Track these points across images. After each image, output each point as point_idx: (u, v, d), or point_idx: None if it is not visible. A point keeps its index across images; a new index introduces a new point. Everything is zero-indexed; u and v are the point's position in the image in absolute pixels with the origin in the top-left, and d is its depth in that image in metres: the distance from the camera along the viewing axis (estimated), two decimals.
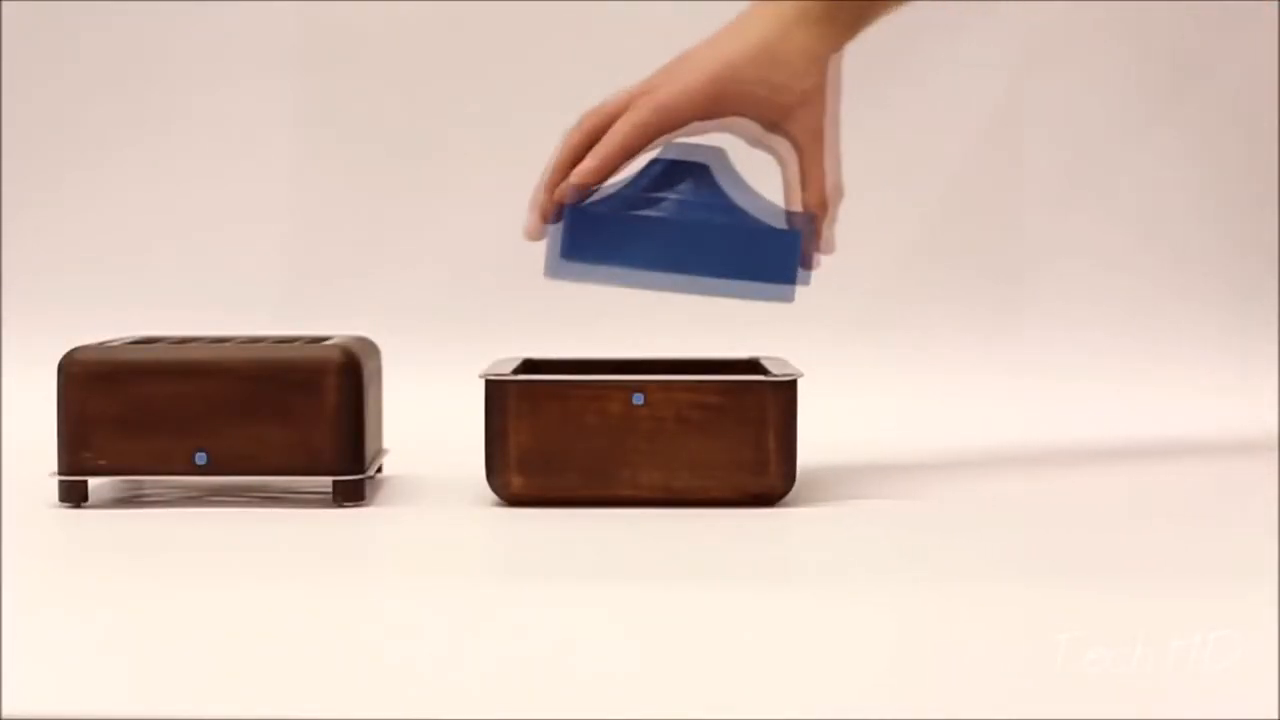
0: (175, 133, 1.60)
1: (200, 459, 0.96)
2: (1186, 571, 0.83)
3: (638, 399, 0.96)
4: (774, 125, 1.04)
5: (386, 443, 1.08)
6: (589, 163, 1.00)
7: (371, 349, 1.04)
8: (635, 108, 1.01)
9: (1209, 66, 1.65)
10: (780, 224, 1.00)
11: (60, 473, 0.97)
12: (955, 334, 1.58)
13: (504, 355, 1.07)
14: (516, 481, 0.97)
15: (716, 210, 1.00)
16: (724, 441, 0.96)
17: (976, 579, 0.81)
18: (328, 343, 0.99)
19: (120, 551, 0.88)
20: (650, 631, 0.71)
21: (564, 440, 0.96)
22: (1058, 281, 1.63)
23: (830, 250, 1.04)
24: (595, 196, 0.99)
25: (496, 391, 0.97)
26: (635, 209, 0.99)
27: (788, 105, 1.03)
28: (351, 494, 0.97)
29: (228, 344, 1.00)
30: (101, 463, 0.96)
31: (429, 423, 1.18)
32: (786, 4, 1.05)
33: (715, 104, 1.02)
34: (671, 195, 1.00)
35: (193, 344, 1.00)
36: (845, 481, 1.07)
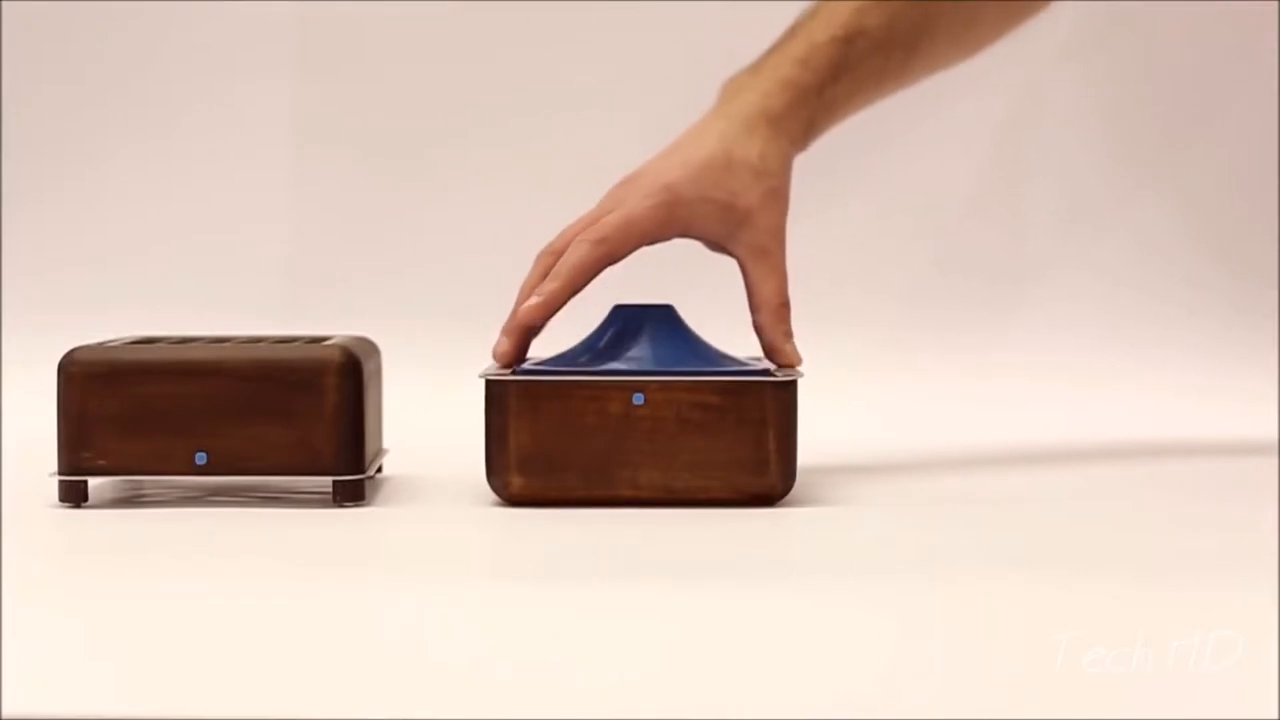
0: (175, 132, 1.60)
1: (200, 459, 0.96)
2: (1186, 571, 0.83)
3: (638, 399, 0.96)
4: (727, 237, 1.04)
5: (386, 443, 1.08)
6: (534, 299, 1.00)
7: (371, 349, 1.04)
8: (577, 244, 1.01)
9: (1208, 75, 1.65)
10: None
11: (60, 473, 0.97)
12: (955, 334, 1.58)
13: None
14: (516, 481, 0.97)
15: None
16: (724, 441, 0.96)
17: (976, 579, 0.81)
18: (328, 343, 0.99)
19: (120, 551, 0.88)
20: (650, 631, 0.71)
21: (564, 440, 0.96)
22: (1058, 283, 1.63)
23: (797, 361, 1.03)
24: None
25: (496, 391, 0.97)
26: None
27: (740, 217, 1.03)
28: (351, 494, 0.97)
29: (228, 344, 1.00)
30: (101, 463, 0.96)
31: (429, 423, 1.18)
32: (741, 109, 1.05)
33: (663, 228, 1.03)
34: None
35: (193, 344, 1.00)
36: (845, 481, 1.07)
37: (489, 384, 0.97)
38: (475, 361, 1.02)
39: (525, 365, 1.00)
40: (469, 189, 1.59)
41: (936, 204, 1.65)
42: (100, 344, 0.99)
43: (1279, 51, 1.62)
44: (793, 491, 0.98)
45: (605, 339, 1.00)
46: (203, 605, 0.75)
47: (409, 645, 0.69)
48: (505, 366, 1.00)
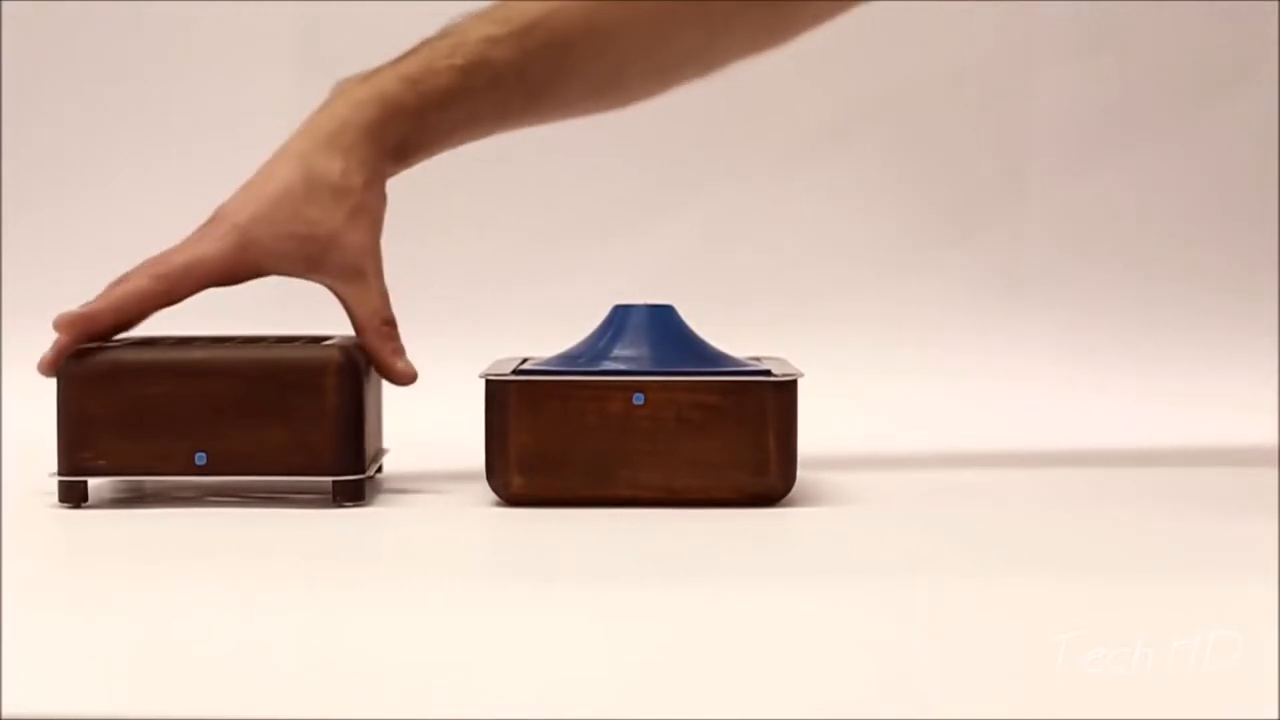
0: (176, 133, 1.60)
1: (200, 459, 0.96)
2: (1186, 571, 0.83)
3: (638, 399, 0.96)
4: (313, 268, 1.02)
5: (386, 443, 1.08)
6: (77, 310, 0.99)
7: None
8: (136, 274, 1.00)
9: (1211, 71, 1.65)
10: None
11: (60, 473, 0.97)
12: (956, 335, 1.58)
13: (504, 355, 1.07)
14: (516, 481, 0.97)
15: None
16: (724, 441, 0.96)
17: (976, 579, 0.81)
18: (327, 343, 0.99)
19: (120, 551, 0.88)
20: (650, 631, 0.71)
21: (564, 440, 0.96)
22: (1059, 283, 1.63)
23: (411, 379, 1.02)
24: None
25: (496, 391, 0.97)
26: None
27: (323, 245, 1.01)
28: (351, 494, 0.97)
29: (228, 344, 1.00)
30: (101, 463, 0.96)
31: (429, 423, 1.18)
32: (326, 123, 1.03)
33: (232, 270, 1.01)
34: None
35: (193, 344, 1.00)
36: (845, 481, 1.07)
37: (489, 384, 0.97)
38: (475, 361, 1.02)
39: (526, 365, 1.00)
40: (469, 189, 1.59)
41: (937, 205, 1.65)
42: (100, 344, 0.99)
43: (1279, 53, 1.62)
44: (793, 491, 0.98)
45: (605, 339, 1.00)
46: (202, 605, 0.75)
47: (409, 645, 0.68)
48: (44, 370, 0.98)
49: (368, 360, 1.01)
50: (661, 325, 1.00)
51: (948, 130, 1.65)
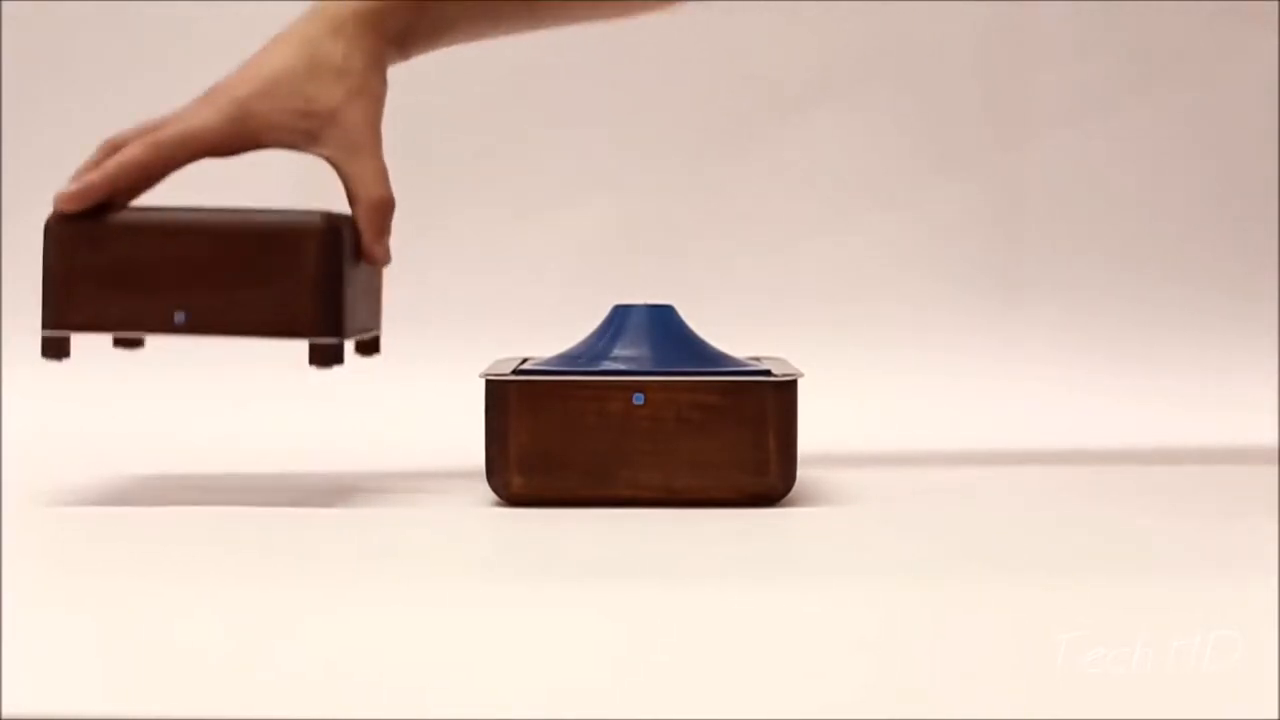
0: None
1: (179, 318, 0.96)
2: (1186, 571, 0.83)
3: (638, 399, 0.96)
4: (312, 142, 1.02)
5: (385, 440, 1.08)
6: (73, 187, 0.98)
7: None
8: (133, 144, 1.00)
9: (1211, 70, 1.65)
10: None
11: (43, 328, 0.97)
12: (955, 335, 1.58)
13: (504, 355, 1.07)
14: (516, 481, 0.97)
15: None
16: (724, 441, 0.96)
17: (977, 579, 0.81)
18: (312, 209, 0.99)
19: (120, 551, 0.88)
20: (650, 631, 0.71)
21: (564, 440, 0.96)
22: (1058, 283, 1.63)
23: (384, 263, 1.03)
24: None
25: (496, 391, 0.97)
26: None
27: (322, 120, 1.01)
28: (328, 357, 0.97)
29: (212, 210, 0.99)
30: (82, 318, 0.96)
31: (429, 423, 1.18)
32: (331, 10, 1.03)
33: (228, 141, 1.01)
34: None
35: (177, 209, 0.99)
36: (845, 481, 1.07)
37: (489, 384, 0.97)
38: (475, 361, 1.02)
39: (526, 365, 1.00)
40: (469, 189, 1.59)
41: (936, 205, 1.65)
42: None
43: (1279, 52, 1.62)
44: (793, 491, 0.98)
45: (605, 339, 1.00)
46: (202, 605, 0.75)
47: (408, 645, 0.68)
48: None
49: (357, 234, 1.00)
50: (661, 325, 1.00)
51: (948, 130, 1.65)
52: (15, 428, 1.26)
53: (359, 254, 1.01)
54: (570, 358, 1.00)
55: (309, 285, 0.96)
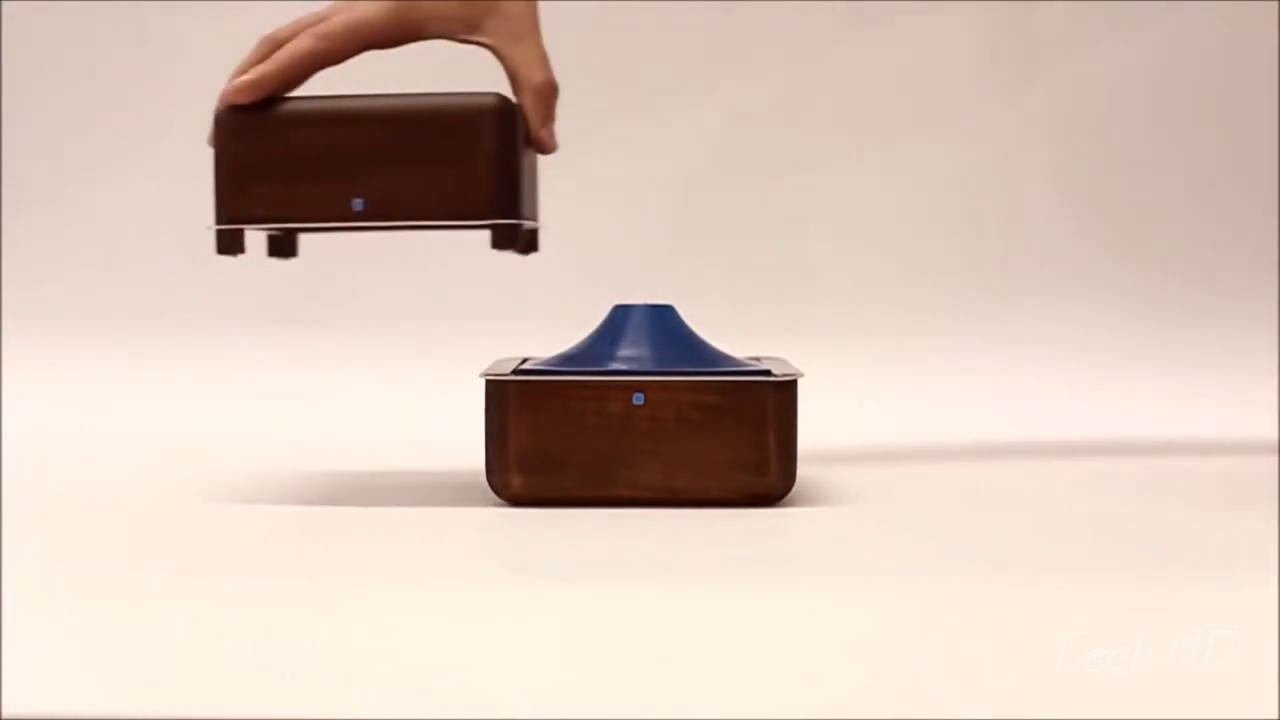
0: (177, 134, 1.60)
1: (357, 205, 0.95)
2: (1187, 571, 0.83)
3: (638, 399, 0.96)
4: (474, 30, 1.03)
5: (386, 440, 1.08)
6: (246, 77, 0.98)
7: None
8: (301, 36, 1.00)
9: (1211, 70, 1.65)
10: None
11: (218, 222, 0.96)
12: (956, 335, 1.58)
13: (504, 355, 1.07)
14: (516, 481, 0.97)
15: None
16: (724, 441, 0.96)
17: (977, 579, 0.81)
18: (482, 90, 0.98)
19: (120, 551, 0.88)
20: (651, 631, 0.71)
21: (564, 440, 0.96)
22: (1058, 283, 1.63)
23: (552, 149, 1.03)
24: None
25: (496, 391, 0.97)
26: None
27: (483, 8, 1.02)
28: (509, 239, 0.96)
29: (384, 96, 0.99)
30: (260, 210, 0.96)
31: (429, 423, 1.18)
32: None
33: (392, 30, 1.01)
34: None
35: (347, 96, 0.99)
36: (845, 481, 1.07)
37: (489, 384, 0.97)
38: (475, 361, 1.02)
39: (526, 365, 1.00)
40: None
41: (937, 205, 1.65)
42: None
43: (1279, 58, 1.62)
44: (793, 491, 0.98)
45: (605, 339, 1.00)
46: (203, 605, 0.75)
47: (408, 645, 0.69)
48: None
49: (525, 120, 1.00)
50: (661, 325, 1.00)
51: (948, 130, 1.65)
52: (15, 428, 1.27)
53: (527, 139, 1.01)
54: (570, 358, 1.00)
55: (487, 165, 0.96)
